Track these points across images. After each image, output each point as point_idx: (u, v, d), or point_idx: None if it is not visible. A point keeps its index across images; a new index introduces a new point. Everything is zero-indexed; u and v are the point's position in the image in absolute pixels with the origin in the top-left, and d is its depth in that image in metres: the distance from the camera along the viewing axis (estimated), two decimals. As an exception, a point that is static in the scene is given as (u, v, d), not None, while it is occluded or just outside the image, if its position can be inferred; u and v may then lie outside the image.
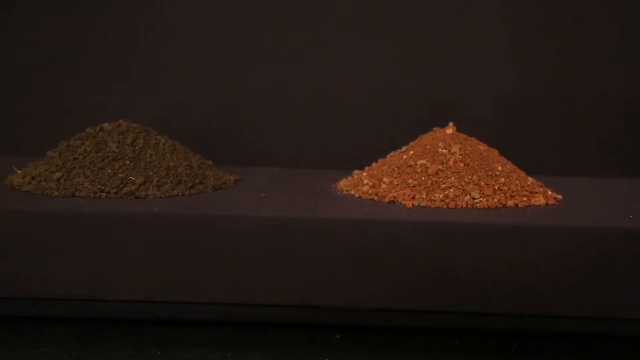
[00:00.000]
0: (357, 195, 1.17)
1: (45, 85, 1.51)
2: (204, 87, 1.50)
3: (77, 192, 1.11)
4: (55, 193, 1.11)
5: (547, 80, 1.48)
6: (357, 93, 1.50)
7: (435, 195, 1.11)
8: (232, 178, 1.26)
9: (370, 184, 1.18)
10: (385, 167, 1.20)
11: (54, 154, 1.19)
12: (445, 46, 1.49)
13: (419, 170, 1.15)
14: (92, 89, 1.50)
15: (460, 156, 1.16)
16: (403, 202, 1.11)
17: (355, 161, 1.44)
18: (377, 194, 1.15)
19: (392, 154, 1.25)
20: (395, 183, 1.15)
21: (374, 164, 1.26)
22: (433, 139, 1.21)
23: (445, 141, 1.19)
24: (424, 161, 1.16)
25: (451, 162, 1.15)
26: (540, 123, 1.49)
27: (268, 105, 1.51)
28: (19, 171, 1.21)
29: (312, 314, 1.07)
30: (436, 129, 1.24)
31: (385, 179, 1.16)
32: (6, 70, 1.51)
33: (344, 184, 1.24)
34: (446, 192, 1.11)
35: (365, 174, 1.23)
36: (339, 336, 1.11)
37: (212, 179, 1.21)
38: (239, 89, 1.50)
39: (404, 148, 1.24)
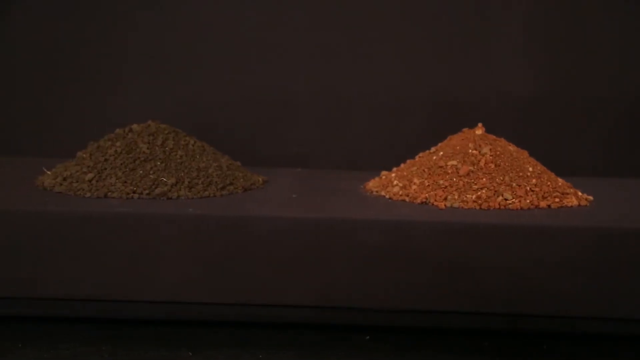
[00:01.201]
0: (387, 197, 1.17)
1: (58, 85, 1.50)
2: (213, 87, 1.50)
3: (109, 193, 1.11)
4: (88, 194, 1.12)
5: (567, 82, 1.48)
6: (375, 94, 1.50)
7: (467, 196, 1.11)
8: (260, 179, 1.26)
9: (400, 185, 1.18)
10: (415, 168, 1.20)
11: (84, 155, 1.19)
12: (462, 46, 1.49)
13: (449, 171, 1.15)
14: (108, 91, 1.50)
15: (490, 157, 1.16)
16: (435, 203, 1.11)
17: (375, 162, 1.45)
18: (408, 195, 1.15)
19: (420, 154, 1.25)
20: (426, 184, 1.15)
21: (402, 165, 1.26)
22: (462, 139, 1.21)
23: (475, 142, 1.19)
24: (454, 162, 1.16)
25: (482, 163, 1.15)
26: (559, 124, 1.49)
27: (281, 105, 1.50)
28: (48, 172, 1.21)
29: (345, 315, 1.07)
30: (465, 129, 1.24)
31: (416, 180, 1.16)
32: (16, 70, 1.50)
33: (372, 184, 1.24)
34: (478, 194, 1.11)
35: (393, 174, 1.23)
36: (368, 337, 1.11)
37: (241, 179, 1.21)
38: (251, 89, 1.50)
39: (433, 149, 1.24)
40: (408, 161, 1.26)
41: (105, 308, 1.08)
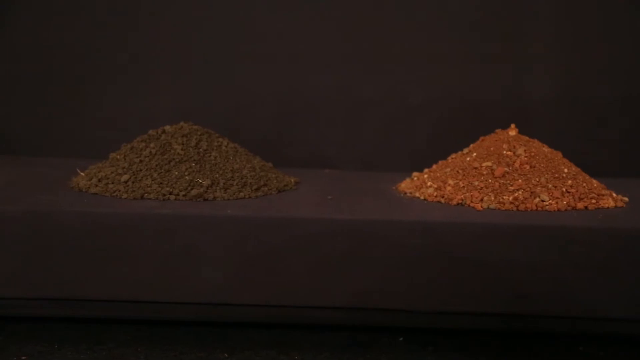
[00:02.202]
0: (422, 198, 1.17)
1: (83, 87, 1.51)
2: (233, 89, 1.50)
3: (146, 195, 1.12)
4: (125, 195, 1.12)
5: (592, 83, 1.48)
6: (398, 96, 1.50)
7: (504, 197, 1.11)
8: (292, 180, 1.26)
9: (434, 186, 1.18)
10: (449, 169, 1.20)
11: (118, 157, 1.19)
12: (491, 47, 1.49)
13: (484, 173, 1.15)
14: (131, 94, 1.50)
15: (525, 158, 1.16)
16: (472, 205, 1.11)
17: (398, 163, 1.45)
18: (443, 197, 1.15)
19: (453, 155, 1.25)
20: (461, 185, 1.15)
21: (434, 166, 1.26)
22: (496, 140, 1.20)
23: (510, 143, 1.18)
24: (489, 163, 1.16)
25: (517, 164, 1.15)
26: (586, 126, 1.48)
27: (303, 107, 1.50)
28: (82, 173, 1.21)
29: (382, 316, 1.07)
30: (498, 130, 1.24)
31: (450, 181, 1.16)
32: (40, 72, 1.51)
33: (405, 186, 1.24)
34: (515, 195, 1.10)
35: (426, 176, 1.23)
36: (401, 338, 1.11)
37: (275, 181, 1.21)
38: (271, 91, 1.50)
39: (465, 150, 1.23)
40: (440, 162, 1.26)
41: (142, 309, 1.08)
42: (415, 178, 1.26)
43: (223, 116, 1.48)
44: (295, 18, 1.49)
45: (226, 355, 1.07)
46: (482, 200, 1.11)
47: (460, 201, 1.12)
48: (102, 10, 1.50)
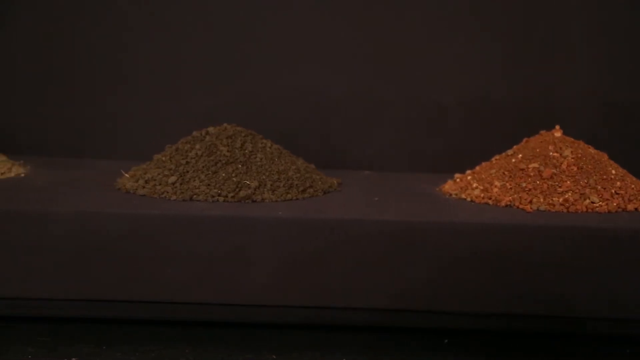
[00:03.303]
0: (469, 199, 1.17)
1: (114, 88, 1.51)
2: (263, 90, 1.50)
3: (194, 196, 1.12)
4: (174, 197, 1.12)
5: (618, 84, 1.47)
6: (430, 97, 1.49)
7: (553, 199, 1.10)
8: (335, 182, 1.26)
9: (481, 187, 1.17)
10: (494, 170, 1.19)
11: (163, 158, 1.20)
12: (529, 48, 1.48)
13: (532, 174, 1.14)
14: (160, 96, 1.51)
15: (572, 159, 1.15)
16: (521, 207, 1.10)
17: (430, 164, 1.44)
18: (490, 198, 1.14)
19: (496, 157, 1.24)
20: (508, 187, 1.14)
21: (477, 167, 1.26)
22: (541, 142, 1.20)
23: (556, 144, 1.18)
24: (536, 165, 1.15)
25: (564, 166, 1.14)
26: (621, 127, 1.48)
27: (333, 108, 1.50)
28: (126, 174, 1.21)
29: (429, 318, 1.06)
30: (543, 132, 1.24)
31: (497, 183, 1.16)
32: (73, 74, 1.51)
33: (449, 187, 1.23)
34: (565, 197, 1.10)
35: (470, 177, 1.23)
36: (446, 341, 1.11)
37: (319, 182, 1.21)
38: (302, 92, 1.50)
39: (510, 151, 1.23)
40: (483, 164, 1.26)
41: (190, 310, 1.08)
42: (458, 179, 1.25)
43: (240, 118, 1.47)
44: (324, 17, 1.49)
45: (274, 356, 1.06)
46: (531, 202, 1.11)
47: (509, 203, 1.12)
48: (126, 11, 1.50)
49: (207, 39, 1.49)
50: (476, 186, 1.18)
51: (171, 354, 1.06)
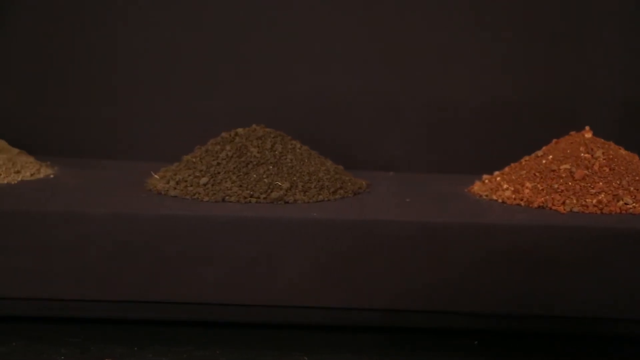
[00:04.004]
0: (500, 200, 1.17)
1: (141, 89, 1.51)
2: (283, 91, 1.49)
3: (227, 197, 1.12)
4: (206, 198, 1.12)
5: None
6: (449, 97, 1.49)
7: (587, 200, 1.10)
8: (364, 183, 1.26)
9: (512, 189, 1.17)
10: (524, 171, 1.19)
11: (193, 159, 1.20)
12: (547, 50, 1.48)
13: (563, 175, 1.14)
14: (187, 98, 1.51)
15: (604, 161, 1.15)
16: (554, 208, 1.10)
17: (455, 165, 1.44)
18: (522, 199, 1.14)
19: (526, 158, 1.24)
20: (540, 188, 1.14)
21: (506, 168, 1.26)
22: (571, 143, 1.20)
23: (587, 145, 1.18)
24: (567, 166, 1.15)
25: (596, 167, 1.14)
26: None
27: (356, 109, 1.50)
28: (156, 175, 1.22)
29: (464, 319, 1.06)
30: (572, 133, 1.23)
31: (528, 184, 1.16)
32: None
33: (478, 188, 1.23)
34: (599, 198, 1.10)
35: (499, 178, 1.23)
36: (476, 342, 1.10)
37: (349, 183, 1.21)
38: (324, 94, 1.49)
39: (540, 152, 1.23)
40: (512, 164, 1.25)
41: (222, 311, 1.09)
42: (487, 180, 1.25)
43: (257, 119, 1.48)
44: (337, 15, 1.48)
45: (305, 358, 1.06)
46: (564, 203, 1.11)
47: (541, 204, 1.12)
48: (154, 12, 1.50)
49: (220, 41, 1.49)
50: (507, 187, 1.18)
51: (202, 355, 1.06)
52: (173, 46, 1.49)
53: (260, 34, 1.48)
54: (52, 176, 1.28)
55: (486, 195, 1.19)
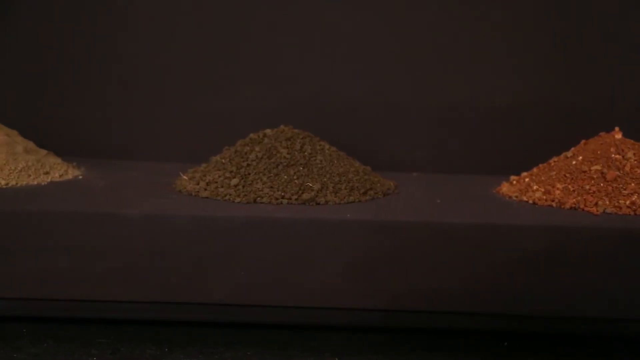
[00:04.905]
0: (530, 201, 1.16)
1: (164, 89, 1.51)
2: (302, 92, 1.49)
3: (258, 199, 1.11)
4: (238, 199, 1.12)
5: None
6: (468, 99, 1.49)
7: (620, 201, 1.10)
8: (392, 184, 1.26)
9: (542, 190, 1.17)
10: (554, 172, 1.19)
11: (222, 160, 1.19)
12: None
13: (594, 176, 1.14)
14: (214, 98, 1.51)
15: (635, 162, 1.15)
16: (587, 209, 1.10)
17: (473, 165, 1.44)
18: (553, 200, 1.14)
19: (555, 159, 1.24)
20: (571, 189, 1.14)
21: (534, 169, 1.25)
22: (602, 144, 1.19)
23: (618, 146, 1.17)
24: (598, 167, 1.15)
25: (627, 168, 1.14)
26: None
27: (381, 110, 1.50)
28: (184, 176, 1.22)
29: (498, 320, 1.06)
30: (602, 133, 1.23)
31: (559, 185, 1.15)
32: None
33: (507, 189, 1.23)
34: (632, 199, 1.09)
35: (527, 179, 1.23)
36: (506, 343, 1.10)
37: (378, 184, 1.21)
38: (343, 95, 1.49)
39: (569, 153, 1.22)
40: (540, 165, 1.25)
41: (254, 312, 1.08)
42: (515, 181, 1.25)
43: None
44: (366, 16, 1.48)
45: (336, 359, 1.06)
46: (596, 204, 1.10)
47: (573, 205, 1.11)
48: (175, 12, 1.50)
49: (239, 43, 1.48)
50: (537, 188, 1.18)
51: (233, 356, 1.06)
52: (194, 47, 1.49)
53: (278, 35, 1.48)
54: (80, 177, 1.28)
55: (516, 197, 1.19)
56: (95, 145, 1.49)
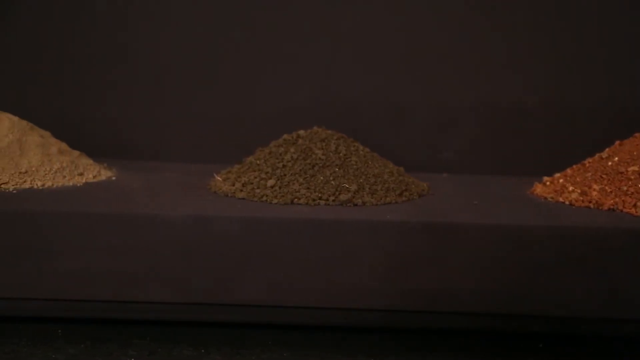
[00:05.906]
0: (566, 202, 1.16)
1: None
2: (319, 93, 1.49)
3: (295, 200, 1.11)
4: (275, 200, 1.12)
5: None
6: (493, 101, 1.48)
7: (658, 203, 1.09)
8: (425, 185, 1.25)
9: (578, 191, 1.16)
10: (589, 173, 1.18)
11: (257, 161, 1.19)
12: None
13: (632, 177, 1.13)
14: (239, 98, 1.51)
15: (672, 162, 1.14)
16: (627, 210, 1.09)
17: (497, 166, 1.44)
18: (591, 202, 1.13)
19: (589, 160, 1.24)
20: (608, 190, 1.13)
21: (568, 170, 1.25)
22: (637, 145, 1.19)
23: (654, 147, 1.17)
24: (635, 168, 1.14)
25: (664, 169, 1.13)
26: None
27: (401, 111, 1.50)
28: (218, 177, 1.22)
29: (534, 322, 1.06)
30: (637, 134, 1.23)
31: (595, 186, 1.15)
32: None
33: (542, 190, 1.23)
34: (672, 200, 1.09)
35: (562, 180, 1.22)
36: (541, 345, 1.10)
37: (413, 185, 1.21)
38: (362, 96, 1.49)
39: (604, 154, 1.22)
40: (575, 166, 1.25)
41: (292, 313, 1.08)
42: (548, 182, 1.24)
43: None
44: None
45: (371, 360, 1.06)
46: (635, 205, 1.10)
47: (612, 206, 1.11)
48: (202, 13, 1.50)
49: (262, 46, 1.48)
50: (572, 189, 1.17)
51: (270, 358, 1.06)
52: (219, 50, 1.49)
53: (307, 39, 1.48)
54: (113, 178, 1.28)
55: (551, 198, 1.19)
56: (121, 146, 1.49)
